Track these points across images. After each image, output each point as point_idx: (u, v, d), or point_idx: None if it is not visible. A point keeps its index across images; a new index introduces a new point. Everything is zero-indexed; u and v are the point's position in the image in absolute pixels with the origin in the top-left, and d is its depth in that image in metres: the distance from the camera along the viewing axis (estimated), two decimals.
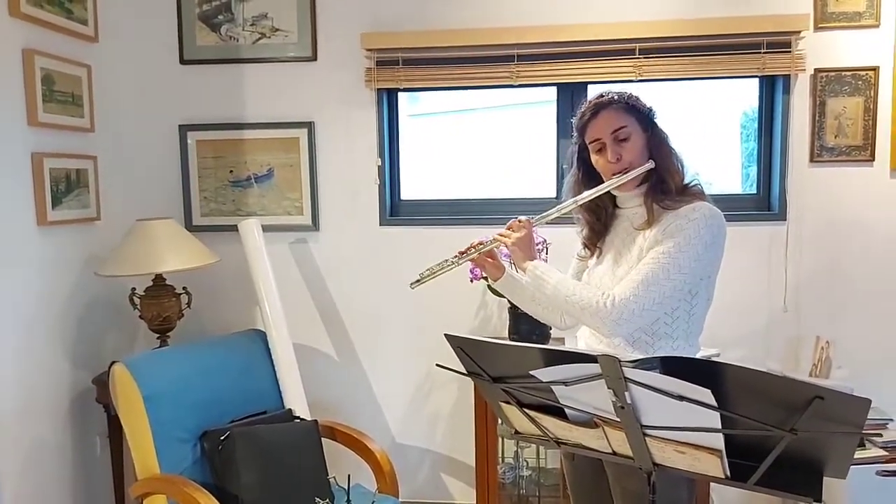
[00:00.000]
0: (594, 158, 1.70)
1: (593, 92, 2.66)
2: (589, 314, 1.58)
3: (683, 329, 1.62)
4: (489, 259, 1.82)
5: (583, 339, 1.77)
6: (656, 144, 1.67)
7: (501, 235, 1.75)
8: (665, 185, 1.64)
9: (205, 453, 2.20)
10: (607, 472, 1.69)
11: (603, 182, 1.70)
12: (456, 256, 1.79)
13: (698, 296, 1.62)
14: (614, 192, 1.71)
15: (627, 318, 1.54)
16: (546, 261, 1.85)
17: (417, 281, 1.81)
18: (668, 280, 1.54)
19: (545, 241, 2.48)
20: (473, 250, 1.79)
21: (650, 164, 1.65)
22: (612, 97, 1.67)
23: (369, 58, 2.73)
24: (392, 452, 2.60)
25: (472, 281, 2.50)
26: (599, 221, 1.76)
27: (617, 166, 1.65)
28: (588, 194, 1.70)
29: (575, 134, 1.75)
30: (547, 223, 1.78)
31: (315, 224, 2.86)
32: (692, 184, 1.68)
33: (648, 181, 1.67)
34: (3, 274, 2.27)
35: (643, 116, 1.68)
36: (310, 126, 2.81)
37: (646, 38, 2.58)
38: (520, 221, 1.74)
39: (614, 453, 1.33)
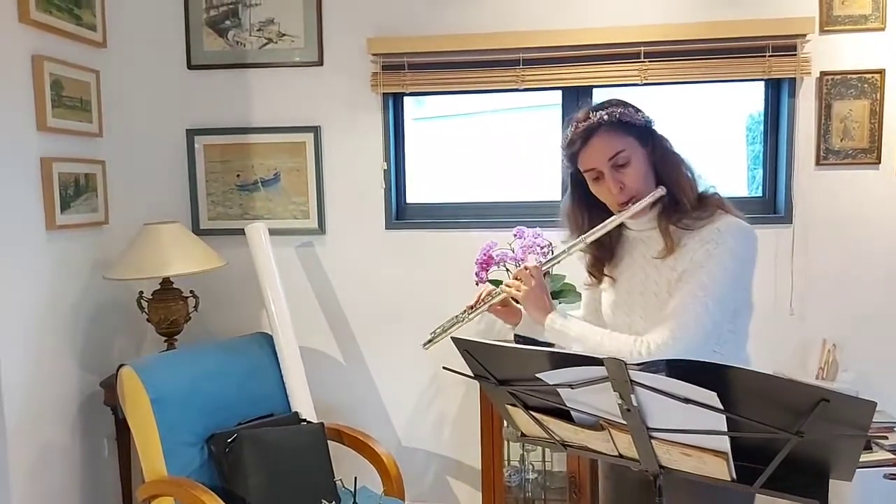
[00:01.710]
0: (593, 188, 1.52)
1: (598, 94, 2.74)
2: None
3: (732, 347, 1.47)
4: (501, 307, 1.64)
5: None
6: (661, 159, 1.48)
7: (508, 286, 1.58)
8: (679, 204, 1.46)
9: (212, 456, 2.21)
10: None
11: (608, 212, 1.53)
12: (465, 311, 1.63)
13: (741, 313, 1.48)
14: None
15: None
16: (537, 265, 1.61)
17: (430, 341, 1.66)
18: (708, 317, 1.38)
19: (551, 244, 2.48)
20: (483, 304, 1.62)
21: (661, 191, 1.45)
22: (602, 118, 1.45)
23: (375, 62, 2.74)
24: (398, 455, 2.61)
25: (477, 284, 2.50)
26: (604, 248, 1.58)
27: (622, 196, 1.46)
28: (595, 232, 1.52)
29: (565, 161, 1.55)
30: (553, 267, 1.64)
31: (321, 228, 2.87)
32: (708, 192, 1.50)
33: (661, 204, 1.48)
34: (13, 277, 2.28)
35: (640, 131, 1.47)
36: (316, 130, 2.82)
37: (651, 42, 2.59)
38: (526, 269, 1.56)
39: (620, 456, 1.33)
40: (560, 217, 1.64)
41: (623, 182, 1.46)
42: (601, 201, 1.54)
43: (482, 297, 1.63)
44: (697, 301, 1.38)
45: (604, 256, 1.59)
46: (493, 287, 1.64)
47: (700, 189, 1.49)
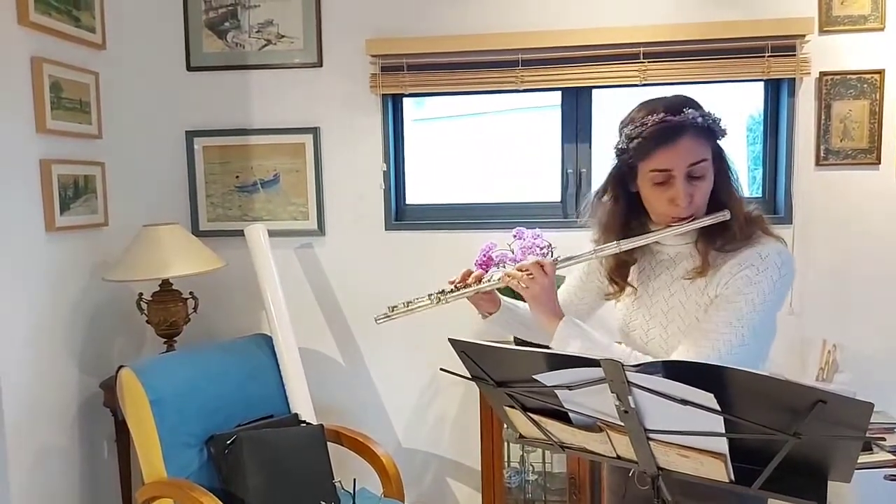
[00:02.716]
0: (650, 190, 1.35)
1: (598, 94, 2.73)
2: None
3: (752, 366, 1.36)
4: (484, 294, 1.53)
5: None
6: (723, 179, 1.35)
7: (511, 277, 1.44)
8: (730, 230, 1.33)
9: (211, 457, 2.21)
10: None
11: (647, 215, 1.40)
12: (442, 293, 1.52)
13: (767, 339, 1.40)
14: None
15: None
16: (554, 260, 1.47)
17: (387, 315, 1.57)
18: (741, 348, 1.29)
19: (550, 244, 2.48)
20: (470, 287, 1.50)
21: (725, 216, 1.32)
22: (696, 119, 1.29)
23: (374, 63, 2.74)
24: (397, 457, 2.61)
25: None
26: (628, 253, 1.45)
27: (686, 210, 1.32)
28: (636, 241, 1.38)
29: (629, 151, 1.33)
30: (563, 266, 1.48)
31: (321, 229, 2.87)
32: (752, 212, 1.36)
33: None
34: (12, 279, 2.28)
35: (717, 144, 1.35)
36: (315, 131, 2.82)
37: (650, 43, 2.58)
38: (540, 264, 1.41)
39: (618, 457, 1.32)
40: (586, 211, 1.49)
41: (693, 195, 1.32)
42: (639, 206, 1.40)
43: (468, 282, 1.51)
44: (733, 330, 1.29)
45: (627, 261, 1.46)
46: (484, 272, 1.53)
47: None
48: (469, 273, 1.53)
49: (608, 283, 1.51)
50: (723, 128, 1.33)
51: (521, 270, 1.43)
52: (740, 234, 1.33)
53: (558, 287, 1.55)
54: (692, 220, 1.34)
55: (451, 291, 1.52)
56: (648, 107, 1.34)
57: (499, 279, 1.47)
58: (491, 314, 1.58)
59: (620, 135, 1.37)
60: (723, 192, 1.35)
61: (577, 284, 1.64)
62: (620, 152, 1.36)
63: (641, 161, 1.33)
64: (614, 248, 1.40)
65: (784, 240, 1.37)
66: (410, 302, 1.57)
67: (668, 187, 1.32)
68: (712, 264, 1.34)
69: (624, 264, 1.47)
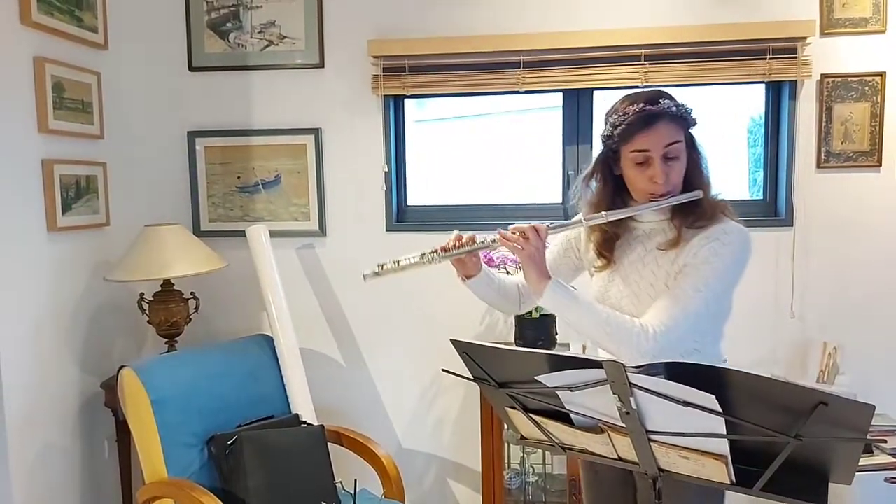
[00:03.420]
0: (632, 171, 1.53)
1: (599, 96, 2.74)
2: (627, 346, 1.44)
3: (710, 341, 1.58)
4: (472, 256, 1.65)
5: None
6: (695, 164, 1.55)
7: (507, 239, 1.55)
8: (700, 208, 1.52)
9: (212, 457, 2.21)
10: (638, 487, 1.64)
11: (629, 195, 1.57)
12: (436, 251, 1.62)
13: (724, 312, 1.58)
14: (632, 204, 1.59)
15: (667, 348, 1.43)
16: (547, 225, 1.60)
17: (375, 273, 1.64)
18: (706, 308, 1.47)
19: (551, 245, 2.47)
20: (464, 248, 1.61)
21: (698, 194, 1.51)
22: (671, 108, 1.49)
23: (376, 65, 2.75)
24: (398, 458, 2.61)
25: None
26: (613, 227, 1.61)
27: (661, 188, 1.50)
28: (620, 213, 1.55)
29: (613, 136, 1.52)
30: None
31: (322, 230, 2.87)
32: (717, 197, 1.57)
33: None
34: (14, 279, 2.29)
35: (691, 132, 1.56)
36: (317, 132, 2.83)
37: (651, 45, 2.59)
38: (535, 227, 1.54)
39: (620, 459, 1.33)
40: (575, 194, 1.65)
41: (668, 174, 1.50)
42: (623, 188, 1.58)
43: (462, 242, 1.61)
44: (699, 295, 1.46)
45: (613, 237, 1.62)
46: (473, 234, 1.63)
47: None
48: (460, 238, 1.64)
49: (596, 257, 1.65)
50: (694, 118, 1.54)
51: (516, 231, 1.55)
52: (709, 212, 1.52)
53: None
54: (669, 196, 1.51)
55: (444, 251, 1.62)
56: (630, 99, 1.53)
57: (493, 240, 1.59)
58: (472, 277, 1.69)
59: (606, 123, 1.56)
60: (695, 175, 1.54)
61: (552, 259, 1.75)
62: (606, 138, 1.56)
63: (624, 144, 1.52)
64: (602, 217, 1.55)
65: (743, 222, 1.55)
66: (400, 260, 1.65)
67: (647, 167, 1.50)
68: (683, 237, 1.51)
69: (610, 239, 1.62)
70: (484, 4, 2.70)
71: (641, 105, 1.49)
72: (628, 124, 1.49)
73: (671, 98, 1.52)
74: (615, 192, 1.59)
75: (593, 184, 1.61)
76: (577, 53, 2.63)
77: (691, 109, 1.54)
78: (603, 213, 1.56)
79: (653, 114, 1.48)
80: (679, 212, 1.54)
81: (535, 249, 1.53)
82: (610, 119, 1.54)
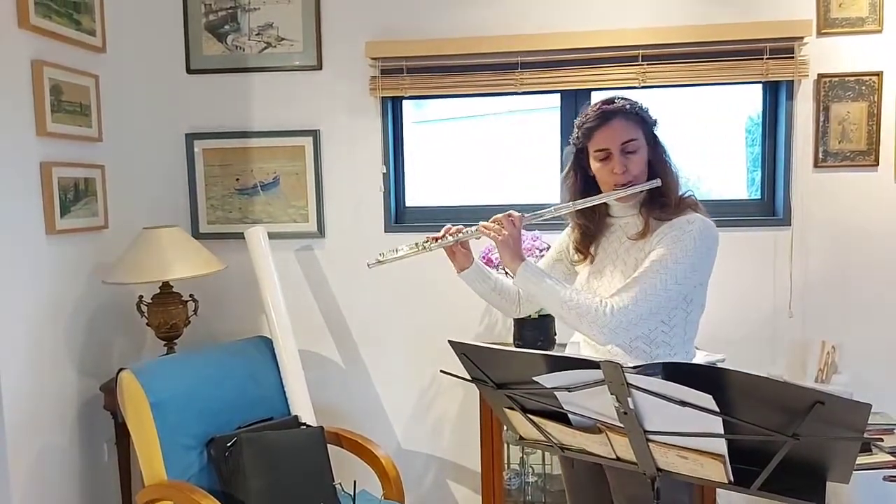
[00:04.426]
0: (596, 166, 1.70)
1: (597, 97, 2.74)
2: (587, 322, 1.57)
3: (680, 336, 1.65)
4: (458, 248, 1.81)
5: (585, 348, 1.78)
6: (658, 159, 1.69)
7: (486, 228, 1.72)
8: (664, 199, 1.66)
9: (211, 459, 2.21)
10: (609, 479, 1.70)
11: (599, 189, 1.72)
12: (428, 241, 1.79)
13: (693, 302, 1.66)
14: (609, 202, 1.74)
15: (625, 328, 1.56)
16: (521, 215, 1.78)
17: (378, 262, 1.81)
18: (664, 290, 1.57)
19: (549, 247, 2.48)
20: (451, 237, 1.78)
21: (657, 182, 1.66)
22: (624, 106, 1.66)
23: (374, 66, 2.75)
24: (397, 458, 2.61)
25: None
26: (591, 225, 1.78)
27: (622, 178, 1.66)
28: (587, 202, 1.71)
29: (577, 136, 1.72)
30: (541, 223, 1.80)
31: (321, 231, 2.87)
32: (686, 194, 1.71)
33: (647, 195, 1.69)
34: (12, 282, 2.29)
35: (649, 129, 1.69)
36: (315, 134, 2.83)
37: (649, 45, 2.59)
38: (510, 216, 1.71)
39: (618, 459, 1.33)
40: (561, 189, 1.84)
41: (627, 166, 1.64)
42: (595, 185, 1.74)
43: (451, 232, 1.79)
44: (658, 276, 1.57)
45: (590, 235, 1.78)
46: (463, 227, 1.80)
47: (680, 192, 1.70)
48: (449, 229, 1.81)
49: (574, 253, 1.83)
50: (651, 116, 1.69)
51: (495, 222, 1.73)
52: (675, 207, 1.66)
53: None
54: (631, 185, 1.66)
55: (435, 241, 1.79)
56: (593, 104, 1.71)
57: (474, 230, 1.76)
58: (465, 269, 1.83)
59: (573, 128, 1.74)
60: (658, 172, 1.67)
61: (545, 268, 1.86)
62: (574, 139, 1.74)
63: (588, 143, 1.70)
64: (570, 207, 1.74)
65: (711, 218, 1.67)
66: (398, 249, 1.83)
67: (608, 162, 1.66)
68: (651, 228, 1.65)
69: (589, 236, 1.79)
70: (481, 6, 2.71)
71: (598, 105, 1.68)
72: (588, 123, 1.67)
73: (628, 99, 1.69)
74: (585, 187, 1.76)
75: (569, 182, 1.80)
76: (574, 54, 2.64)
77: (647, 108, 1.69)
78: (570, 202, 1.74)
79: (608, 112, 1.65)
80: (646, 204, 1.69)
81: (509, 235, 1.68)
82: (576, 122, 1.73)
